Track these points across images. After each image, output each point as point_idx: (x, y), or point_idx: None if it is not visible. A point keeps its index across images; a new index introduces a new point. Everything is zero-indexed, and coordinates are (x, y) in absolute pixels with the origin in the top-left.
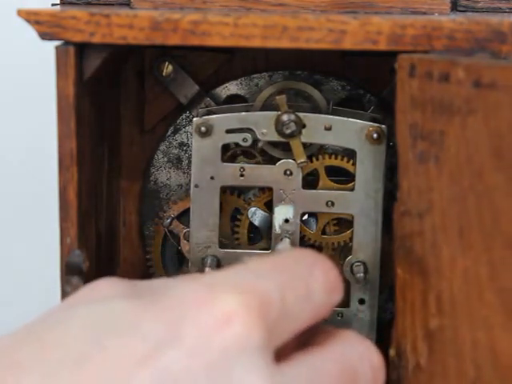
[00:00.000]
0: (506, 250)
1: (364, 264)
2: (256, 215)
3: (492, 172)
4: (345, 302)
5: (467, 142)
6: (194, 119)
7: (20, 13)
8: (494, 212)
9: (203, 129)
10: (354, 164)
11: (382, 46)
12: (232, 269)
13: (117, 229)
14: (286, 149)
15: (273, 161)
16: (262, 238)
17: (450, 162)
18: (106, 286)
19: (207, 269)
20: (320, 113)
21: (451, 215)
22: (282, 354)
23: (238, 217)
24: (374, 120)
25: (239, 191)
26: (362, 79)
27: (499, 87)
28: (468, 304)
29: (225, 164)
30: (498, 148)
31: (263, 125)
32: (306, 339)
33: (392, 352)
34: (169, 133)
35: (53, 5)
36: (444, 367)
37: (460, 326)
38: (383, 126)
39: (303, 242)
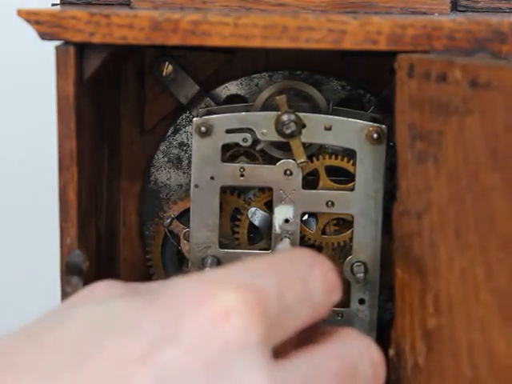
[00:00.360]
0: (501, 251)
1: (364, 264)
2: (256, 215)
3: (488, 172)
4: (345, 302)
5: (464, 142)
6: (194, 119)
7: (20, 13)
8: (490, 212)
9: (203, 129)
10: (354, 164)
11: (382, 46)
12: (230, 267)
13: (117, 229)
14: (286, 149)
15: (273, 161)
16: (262, 238)
17: (448, 162)
18: (105, 287)
19: (207, 269)
20: (320, 113)
21: (449, 215)
22: (281, 352)
23: (238, 217)
24: (374, 120)
25: (239, 191)
26: (362, 79)
27: (494, 87)
28: (465, 304)
29: (225, 164)
30: (493, 148)
31: (263, 125)
32: (306, 338)
33: (391, 352)
34: (169, 133)
35: (53, 5)
36: (442, 367)
37: (457, 326)
38: (383, 126)
39: (303, 241)
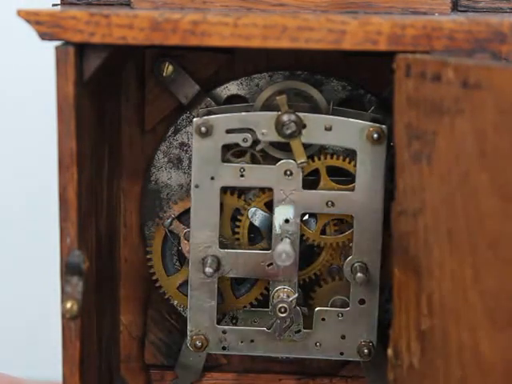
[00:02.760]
0: (489, 251)
1: (364, 264)
2: (256, 215)
3: (477, 172)
4: (345, 302)
5: (455, 143)
6: (194, 119)
7: (20, 13)
8: (479, 213)
9: (203, 129)
10: (354, 165)
11: (382, 46)
12: None
13: (117, 229)
14: (286, 149)
15: (273, 161)
16: (262, 238)
17: (440, 162)
18: None
19: (207, 269)
20: (320, 113)
21: (441, 215)
22: None
23: (239, 217)
24: (374, 120)
25: (239, 191)
26: (362, 79)
27: (484, 88)
28: (455, 305)
29: (225, 164)
30: (483, 148)
31: (263, 125)
32: None
33: (390, 352)
34: (169, 133)
35: (53, 5)
36: (434, 368)
37: (448, 327)
38: (384, 126)
39: (303, 241)
